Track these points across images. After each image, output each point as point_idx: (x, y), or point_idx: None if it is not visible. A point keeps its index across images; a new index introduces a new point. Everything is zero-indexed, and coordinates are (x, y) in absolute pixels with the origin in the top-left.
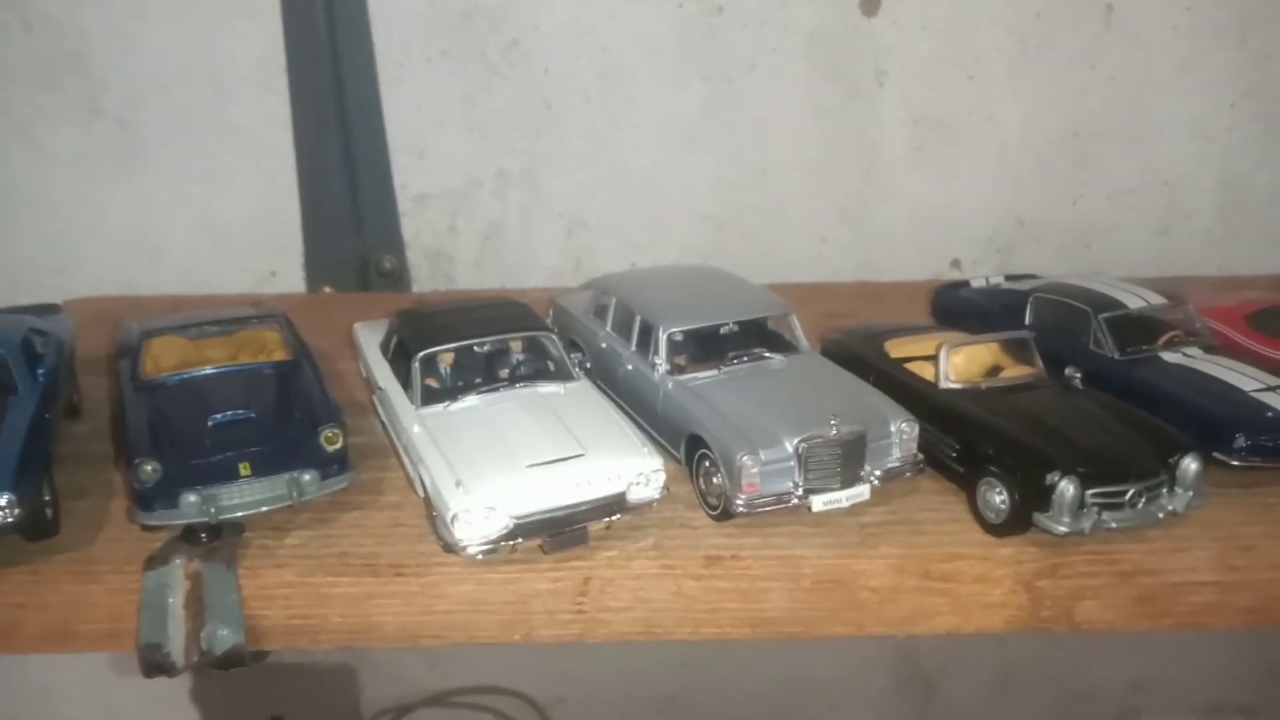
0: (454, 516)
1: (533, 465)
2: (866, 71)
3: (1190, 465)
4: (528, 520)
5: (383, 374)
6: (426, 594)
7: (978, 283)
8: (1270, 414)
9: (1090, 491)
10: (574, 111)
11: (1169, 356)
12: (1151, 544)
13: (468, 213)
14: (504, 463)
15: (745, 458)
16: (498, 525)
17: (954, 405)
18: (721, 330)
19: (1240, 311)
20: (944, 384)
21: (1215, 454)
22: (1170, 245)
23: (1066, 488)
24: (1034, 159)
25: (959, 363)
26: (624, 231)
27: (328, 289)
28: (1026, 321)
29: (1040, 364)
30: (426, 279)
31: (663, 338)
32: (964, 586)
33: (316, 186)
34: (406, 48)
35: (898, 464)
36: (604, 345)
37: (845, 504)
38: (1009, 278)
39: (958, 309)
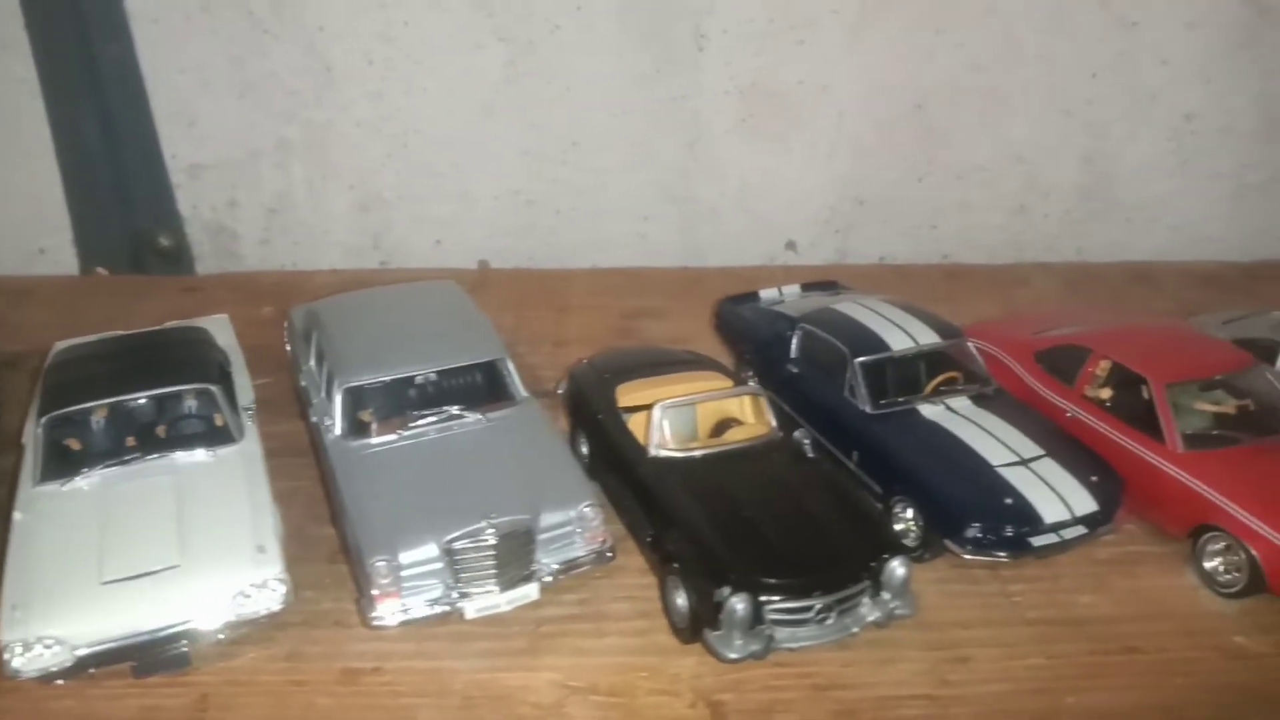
0: (4, 647)
1: (110, 581)
2: (685, 34)
3: (896, 570)
4: (101, 650)
5: (29, 429)
6: None
7: (768, 294)
8: (1009, 500)
9: (771, 607)
10: (357, 75)
11: (928, 410)
12: (852, 653)
13: (248, 185)
14: (80, 576)
15: (378, 562)
16: (58, 658)
17: (657, 480)
18: (416, 381)
19: (1031, 348)
20: (654, 451)
21: (946, 541)
22: (1026, 227)
23: (736, 606)
24: (874, 132)
25: (675, 425)
26: (424, 206)
27: (101, 270)
28: (792, 354)
29: (773, 423)
30: (211, 258)
31: (337, 394)
32: (639, 700)
33: (75, 157)
34: (160, 3)
35: (579, 554)
36: (304, 384)
37: (506, 608)
38: (805, 287)
39: (734, 329)
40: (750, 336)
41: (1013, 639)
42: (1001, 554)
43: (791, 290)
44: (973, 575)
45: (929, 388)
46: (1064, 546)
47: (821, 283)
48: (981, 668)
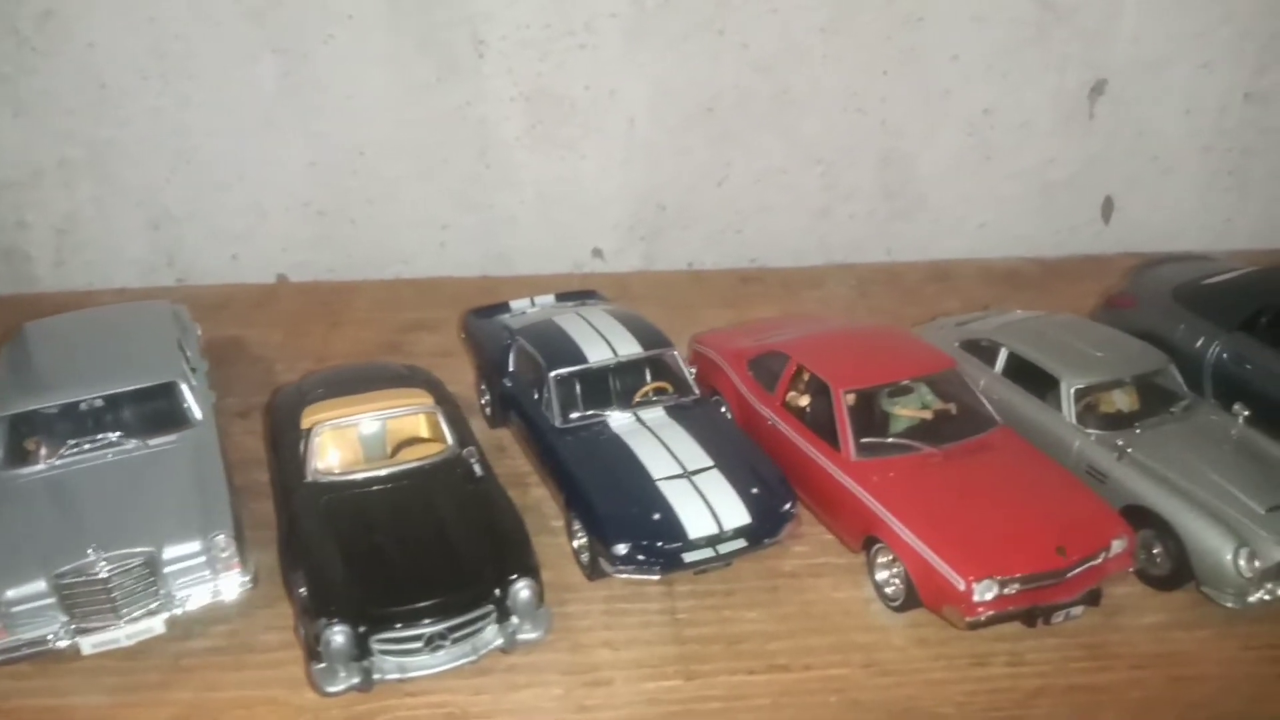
0: None
1: None
2: (463, 41)
3: (520, 593)
4: None
5: None
6: None
7: (519, 305)
8: (657, 516)
9: (376, 638)
10: (132, 91)
11: (617, 423)
12: (489, 679)
13: (35, 206)
14: None
15: None
16: None
17: (305, 507)
18: (83, 407)
19: (745, 356)
20: (310, 475)
21: (600, 559)
22: (832, 228)
23: (331, 638)
24: (667, 137)
25: (336, 445)
26: (216, 221)
27: None
28: (510, 368)
29: (450, 440)
30: (6, 280)
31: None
32: None
33: None
34: None
35: (214, 585)
36: None
37: (127, 643)
38: (560, 297)
39: (474, 342)
40: (482, 350)
41: (659, 659)
42: (652, 571)
43: (545, 300)
44: (644, 593)
45: (640, 396)
46: (723, 561)
47: (578, 292)
48: (620, 691)
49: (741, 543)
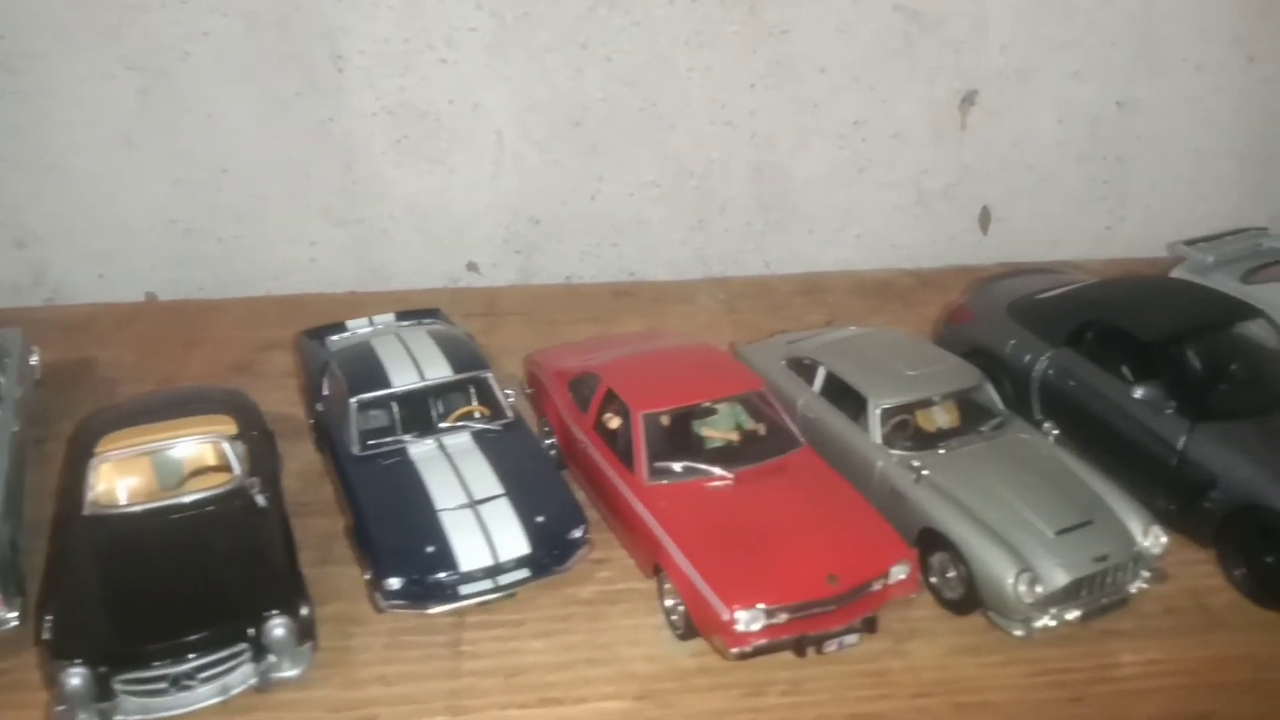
0: None
1: None
2: (322, 56)
3: (274, 630)
4: None
5: None
6: None
7: (356, 324)
8: (431, 548)
9: (117, 678)
10: None
11: (418, 450)
12: (249, 716)
13: None
14: None
15: None
16: None
17: (77, 540)
18: None
19: (566, 377)
20: (89, 508)
21: (376, 595)
22: (708, 241)
23: (67, 680)
24: (536, 151)
25: (123, 476)
26: (83, 240)
27: None
28: (324, 392)
29: (236, 470)
30: None
31: None
32: None
33: None
34: None
35: None
36: None
37: None
38: (400, 316)
39: (303, 362)
40: (305, 372)
41: (430, 694)
42: (426, 606)
43: (385, 319)
44: (432, 625)
45: (448, 423)
46: (505, 591)
47: (420, 311)
48: None
49: (524, 573)
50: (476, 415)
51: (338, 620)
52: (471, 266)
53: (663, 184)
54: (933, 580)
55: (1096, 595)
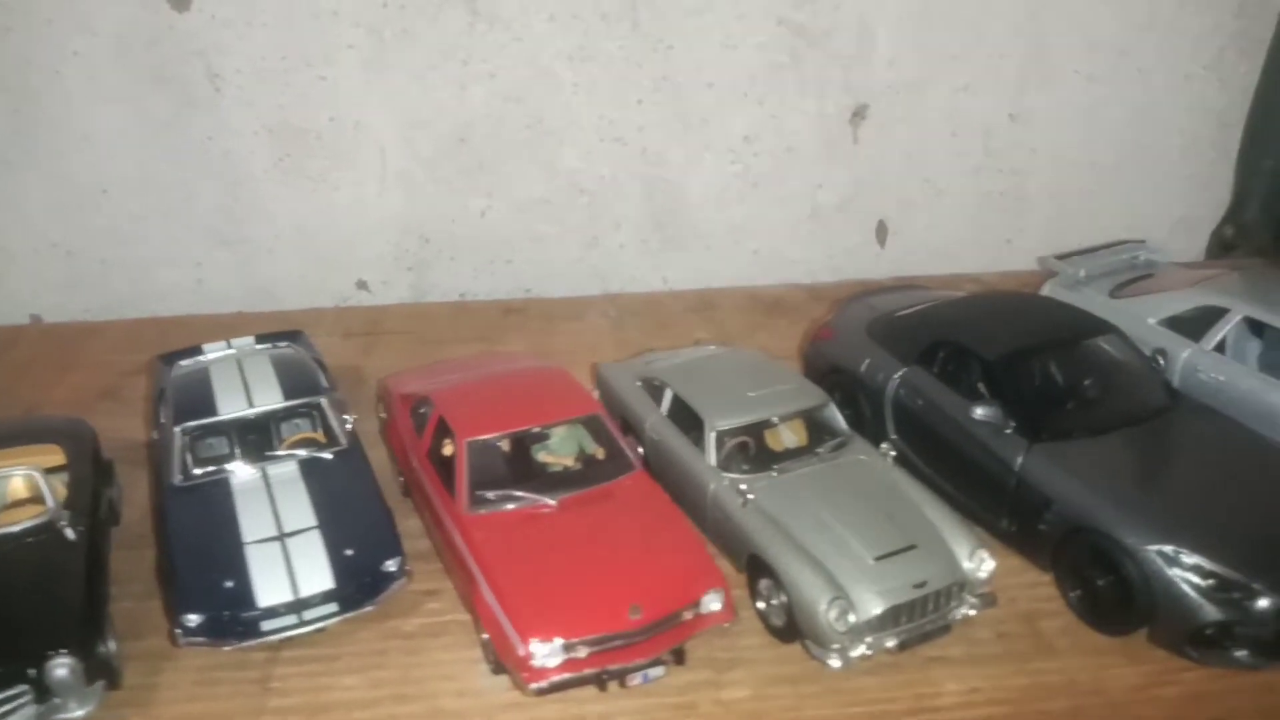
0: None
1: None
2: (197, 75)
3: (53, 670)
4: None
5: None
6: None
7: (213, 348)
8: (230, 584)
9: None
10: None
11: (240, 478)
12: None
13: None
14: None
15: None
16: None
17: None
18: None
19: (410, 400)
20: None
21: (175, 630)
22: (604, 257)
23: None
24: (421, 168)
25: None
26: None
27: None
28: (160, 419)
29: (50, 503)
30: None
31: None
32: None
33: None
34: None
35: None
36: None
37: None
38: (260, 339)
39: (152, 385)
40: (151, 399)
41: None
42: (225, 643)
43: (244, 343)
44: (246, 659)
45: (280, 450)
46: (310, 627)
47: (282, 333)
48: None
49: (332, 607)
50: (311, 443)
51: (149, 656)
52: (362, 285)
53: (554, 201)
54: (760, 607)
55: (917, 622)
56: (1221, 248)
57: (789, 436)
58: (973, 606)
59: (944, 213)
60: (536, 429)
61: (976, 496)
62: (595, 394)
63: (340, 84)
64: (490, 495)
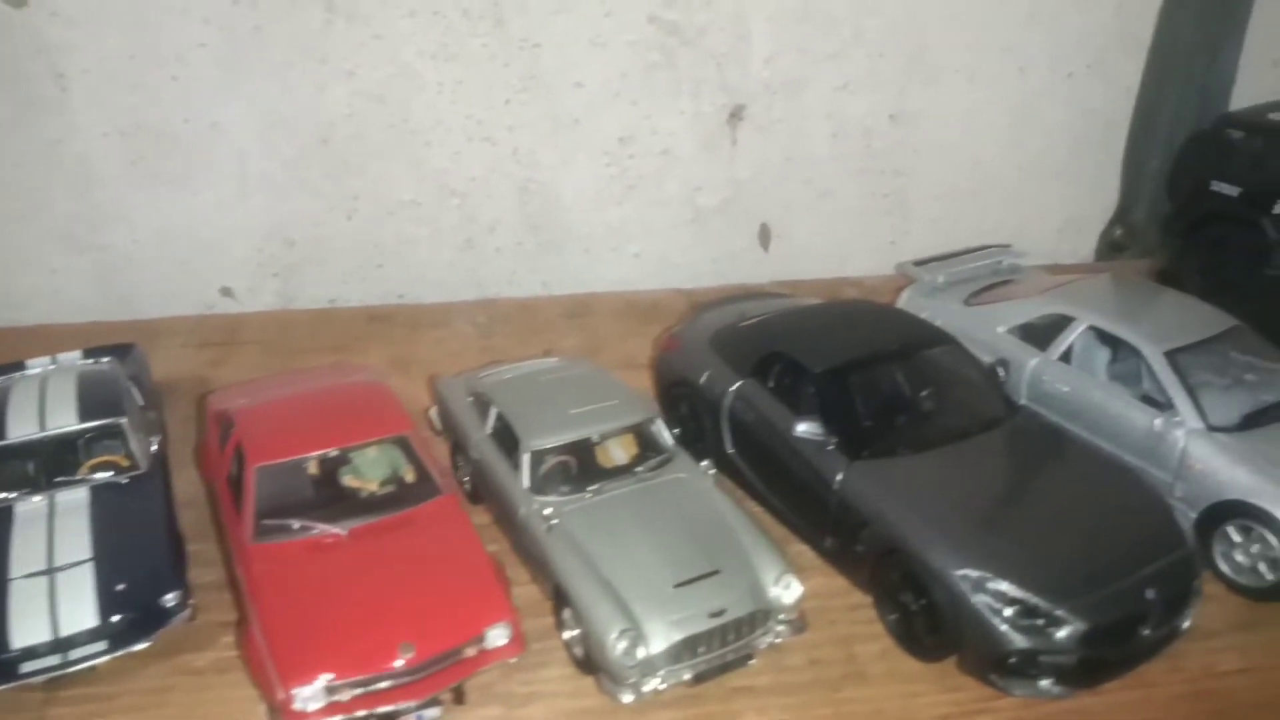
0: None
1: None
2: (42, 75)
3: None
4: None
5: None
6: None
7: (36, 363)
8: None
9: None
10: None
11: (25, 506)
12: None
13: None
14: None
15: None
16: None
17: None
18: None
19: (220, 420)
20: None
21: None
22: (480, 262)
23: None
24: (283, 170)
25: None
26: None
27: None
28: None
29: None
30: None
31: None
32: None
33: None
34: None
35: None
36: None
37: None
38: (87, 353)
39: None
40: None
41: None
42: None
43: (69, 358)
44: (21, 699)
45: (79, 474)
46: (79, 665)
47: (112, 347)
48: None
49: (100, 646)
50: (112, 466)
51: None
52: (226, 292)
53: (424, 203)
54: (565, 637)
55: (717, 652)
56: (1110, 249)
57: (619, 453)
58: (779, 635)
59: (827, 215)
60: (335, 452)
61: (803, 514)
62: (434, 410)
63: (194, 84)
64: (276, 524)
